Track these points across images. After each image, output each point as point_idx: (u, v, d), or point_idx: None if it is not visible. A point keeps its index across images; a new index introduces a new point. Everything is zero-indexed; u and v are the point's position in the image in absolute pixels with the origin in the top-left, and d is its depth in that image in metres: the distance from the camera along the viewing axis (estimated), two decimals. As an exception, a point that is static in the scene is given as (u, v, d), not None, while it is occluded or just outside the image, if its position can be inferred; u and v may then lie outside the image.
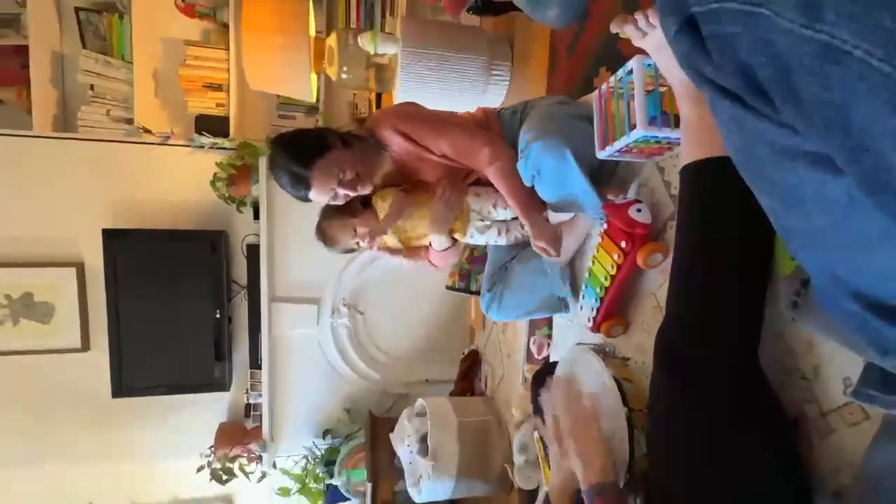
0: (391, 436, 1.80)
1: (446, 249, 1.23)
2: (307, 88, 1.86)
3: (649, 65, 0.80)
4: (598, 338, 1.07)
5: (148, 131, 2.15)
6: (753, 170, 0.36)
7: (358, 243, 1.19)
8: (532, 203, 1.08)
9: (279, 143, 1.10)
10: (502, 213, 1.20)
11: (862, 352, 0.48)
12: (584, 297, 1.07)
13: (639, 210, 0.92)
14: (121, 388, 2.06)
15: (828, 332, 0.55)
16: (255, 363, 2.17)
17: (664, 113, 0.81)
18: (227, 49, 2.21)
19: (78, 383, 2.11)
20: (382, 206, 1.18)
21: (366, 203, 1.21)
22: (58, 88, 2.21)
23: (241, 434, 2.18)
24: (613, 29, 0.74)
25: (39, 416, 2.11)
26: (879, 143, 0.25)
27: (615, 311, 1.03)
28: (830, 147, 0.28)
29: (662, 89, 0.81)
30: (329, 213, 1.20)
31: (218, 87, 2.24)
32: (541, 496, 1.43)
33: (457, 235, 1.22)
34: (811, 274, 0.39)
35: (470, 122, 1.16)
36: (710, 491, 0.56)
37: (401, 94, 1.73)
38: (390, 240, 1.24)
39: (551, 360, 1.33)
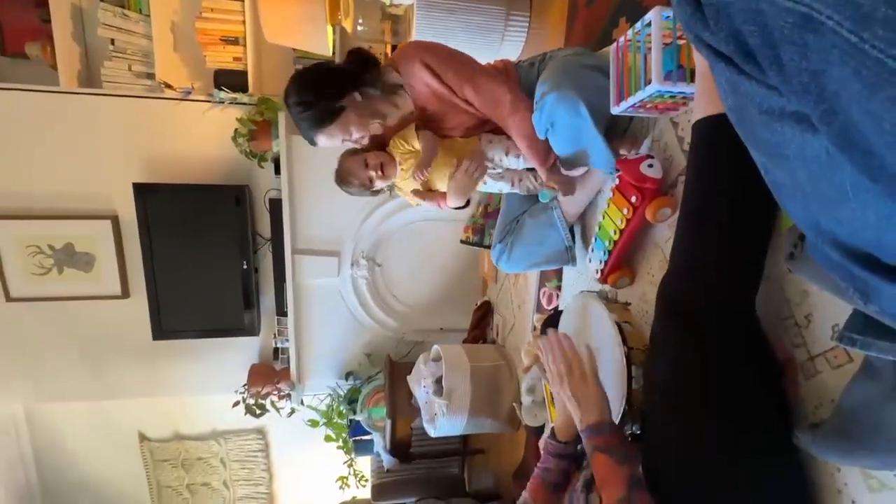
0: (408, 378, 1.92)
1: (460, 208, 1.25)
2: (323, 41, 1.83)
3: (668, 17, 0.78)
4: (604, 287, 1.10)
5: (169, 86, 2.16)
6: (745, 128, 0.38)
7: (371, 179, 1.18)
8: (548, 154, 1.08)
9: (293, 88, 1.08)
10: (514, 162, 1.20)
11: (848, 299, 0.51)
12: (593, 250, 1.10)
13: (650, 165, 0.93)
14: (160, 331, 2.20)
15: (819, 281, 0.58)
16: (282, 310, 2.28)
17: (681, 67, 0.80)
18: (243, 0, 2.16)
19: (121, 327, 2.27)
20: (400, 147, 1.17)
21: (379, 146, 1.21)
22: (80, 44, 2.21)
23: (271, 374, 2.34)
24: None
25: (89, 356, 2.28)
26: (847, 106, 0.28)
27: (623, 263, 1.06)
28: (808, 108, 0.30)
29: (681, 42, 0.79)
30: (346, 153, 1.22)
31: (235, 41, 2.21)
32: (547, 431, 1.53)
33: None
34: (798, 225, 0.41)
35: (492, 70, 1.15)
36: (701, 428, 0.61)
37: (417, 46, 1.69)
38: (404, 182, 1.24)
39: (560, 310, 1.38)
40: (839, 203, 0.33)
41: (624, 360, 0.87)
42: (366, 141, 1.13)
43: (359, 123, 1.09)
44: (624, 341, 0.89)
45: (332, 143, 1.11)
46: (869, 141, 0.28)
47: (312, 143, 1.12)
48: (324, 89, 1.07)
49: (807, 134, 0.32)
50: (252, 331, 2.29)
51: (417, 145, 1.16)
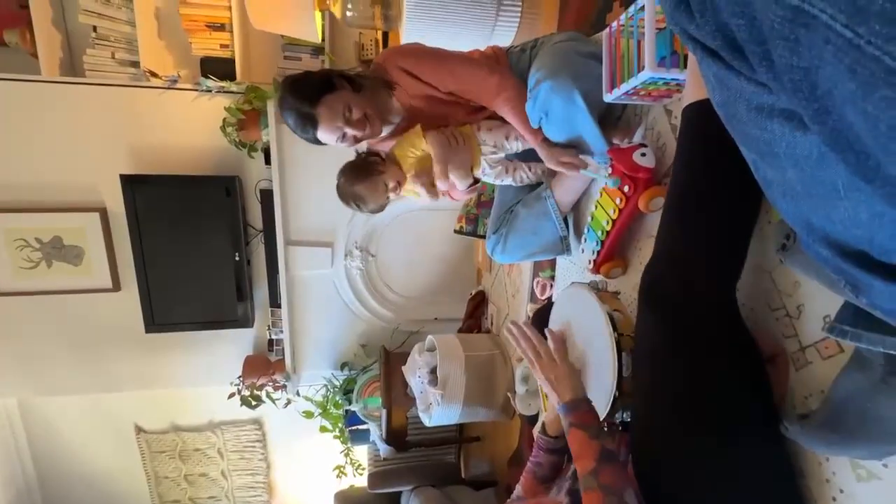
0: (403, 368, 1.92)
1: (471, 187, 1.22)
2: (311, 27, 1.79)
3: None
4: (595, 277, 1.10)
5: (154, 75, 2.10)
6: (734, 124, 0.37)
7: (388, 198, 1.18)
8: (539, 133, 1.06)
9: (286, 84, 1.08)
10: (515, 145, 1.18)
11: (840, 291, 0.50)
12: (585, 240, 1.09)
13: (643, 154, 0.92)
14: (152, 324, 2.19)
15: (812, 273, 0.57)
16: (276, 302, 2.27)
17: (675, 53, 0.78)
18: (227, -16, 2.10)
19: (114, 320, 2.25)
20: (404, 155, 1.15)
21: (382, 157, 1.19)
22: (60, 30, 2.14)
23: (265, 365, 2.34)
24: None
25: (83, 350, 2.26)
26: (841, 105, 0.26)
27: (615, 253, 1.05)
28: (799, 106, 0.29)
29: (674, 27, 0.78)
30: (351, 175, 1.16)
31: (221, 27, 2.16)
32: (539, 422, 1.54)
33: (475, 171, 1.21)
34: (788, 222, 0.40)
35: (475, 56, 1.12)
36: (683, 417, 0.61)
37: (407, 31, 1.66)
38: (413, 187, 1.22)
39: (552, 301, 1.38)
40: (830, 202, 0.32)
41: (614, 347, 0.87)
42: (359, 134, 1.10)
43: (348, 109, 1.05)
44: (614, 328, 0.89)
45: (330, 133, 1.07)
46: (863, 142, 0.27)
47: (313, 141, 1.09)
48: (314, 79, 1.07)
49: (797, 132, 0.31)
50: (246, 322, 2.28)
51: (425, 147, 1.13)
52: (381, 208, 1.21)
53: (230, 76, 2.13)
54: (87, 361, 2.28)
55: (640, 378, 0.70)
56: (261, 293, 2.35)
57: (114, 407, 2.67)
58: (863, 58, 0.23)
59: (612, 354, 0.85)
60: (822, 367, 0.64)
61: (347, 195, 1.17)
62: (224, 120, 2.08)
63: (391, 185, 1.15)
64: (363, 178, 1.14)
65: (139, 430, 2.75)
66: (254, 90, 2.06)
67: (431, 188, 1.18)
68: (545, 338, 0.87)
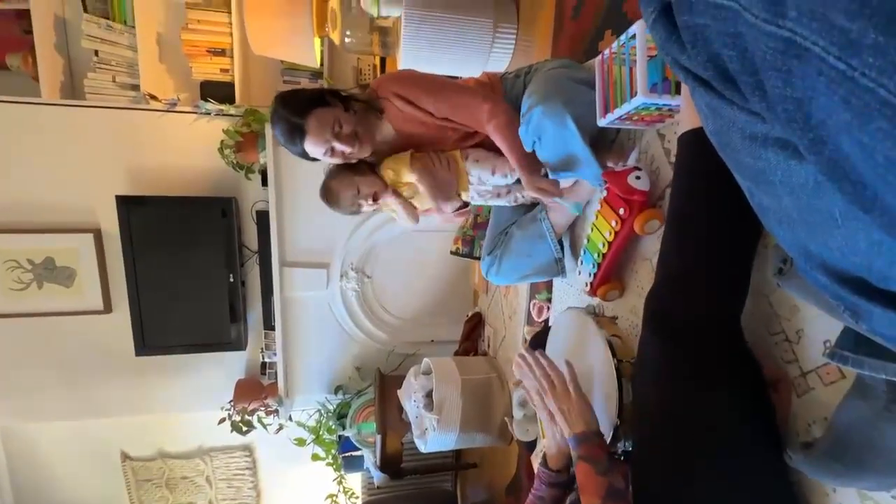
0: (399, 392, 1.88)
1: (459, 210, 1.23)
2: (310, 53, 1.82)
3: (653, 29, 0.78)
4: (592, 301, 1.09)
5: (154, 98, 2.13)
6: (728, 153, 0.37)
7: (360, 204, 1.19)
8: (532, 158, 1.07)
9: (278, 98, 1.10)
10: (501, 181, 1.19)
11: (839, 317, 0.50)
12: (582, 263, 1.09)
13: (637, 177, 0.92)
14: (143, 346, 2.14)
15: (810, 298, 0.57)
16: (269, 324, 2.24)
17: (666, 79, 0.79)
18: (229, 12, 2.15)
19: (103, 343, 2.20)
20: (389, 174, 1.17)
21: (373, 168, 1.20)
22: (63, 55, 2.18)
23: (258, 389, 2.28)
24: None
25: (70, 373, 2.21)
26: (836, 135, 0.26)
27: (612, 275, 1.05)
28: (793, 136, 0.29)
29: (665, 55, 0.79)
30: (335, 170, 1.18)
31: (221, 52, 2.20)
32: (538, 449, 1.50)
33: (462, 195, 1.22)
34: (785, 249, 0.40)
35: (469, 83, 1.14)
36: (686, 443, 0.60)
37: (404, 57, 1.69)
38: (392, 203, 1.23)
39: (550, 323, 1.37)
40: (827, 230, 0.32)
41: (614, 374, 0.86)
42: (347, 149, 1.10)
43: (338, 123, 1.06)
44: (613, 355, 0.88)
45: (317, 145, 1.08)
46: (860, 172, 0.26)
47: (302, 154, 1.10)
48: (306, 94, 1.10)
49: (792, 161, 0.31)
50: (239, 345, 2.24)
51: (409, 178, 1.15)
52: (351, 211, 1.21)
53: (229, 99, 2.16)
54: (74, 385, 2.22)
55: (642, 403, 0.68)
56: (254, 315, 2.32)
57: (100, 433, 2.59)
58: (857, 89, 0.23)
59: (613, 382, 0.84)
60: (825, 392, 0.63)
61: (323, 187, 1.19)
62: (222, 142, 2.09)
63: (364, 191, 1.16)
64: (342, 175, 1.16)
65: (125, 456, 2.66)
66: (252, 113, 2.08)
67: (409, 207, 1.19)
68: None
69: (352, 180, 1.16)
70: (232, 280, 2.15)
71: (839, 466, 0.54)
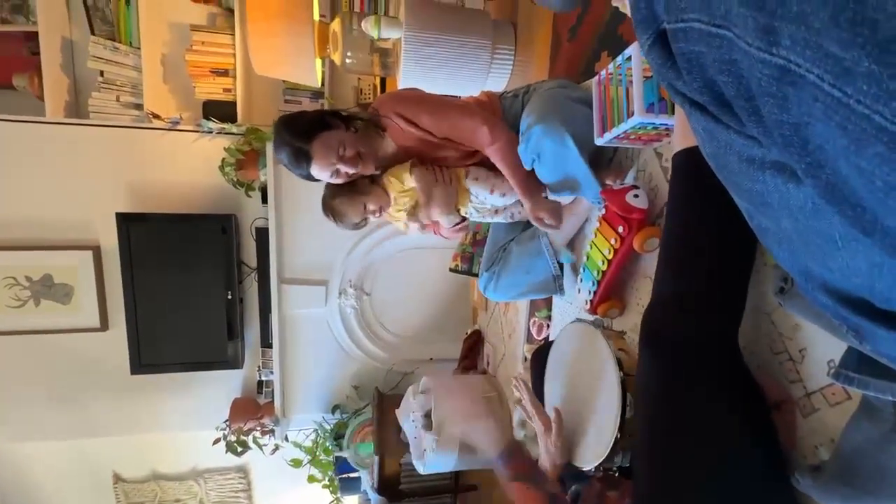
0: (397, 412, 1.85)
1: (457, 226, 1.24)
2: (312, 73, 1.85)
3: (648, 51, 0.79)
4: (594, 317, 1.08)
5: (157, 116, 2.15)
6: (725, 175, 0.36)
7: (367, 219, 1.20)
8: (532, 182, 1.08)
9: (281, 122, 1.10)
10: (499, 201, 1.20)
11: (842, 336, 0.49)
12: (581, 280, 1.09)
13: (636, 196, 0.92)
14: (139, 365, 2.12)
15: (812, 317, 0.56)
16: (267, 342, 2.22)
17: (662, 99, 0.80)
18: (233, 34, 2.19)
19: (99, 360, 2.17)
20: (392, 181, 1.17)
21: (373, 180, 1.21)
22: (69, 75, 2.21)
23: (254, 409, 2.25)
24: (614, 2, 0.75)
25: (64, 390, 2.18)
26: (834, 160, 0.26)
27: (612, 293, 1.04)
28: (791, 161, 0.29)
29: (661, 75, 0.80)
30: (337, 189, 1.18)
31: (224, 73, 2.23)
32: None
33: (461, 210, 1.23)
34: (786, 270, 0.40)
35: (471, 104, 1.16)
36: (686, 464, 0.58)
37: (404, 78, 1.72)
38: (399, 216, 1.24)
39: (550, 340, 1.35)
40: (828, 251, 0.32)
41: (619, 388, 0.85)
42: (351, 171, 1.11)
43: (342, 146, 1.07)
44: (620, 368, 0.87)
45: (323, 169, 1.09)
46: (859, 196, 0.26)
47: (307, 177, 1.11)
48: (308, 118, 1.10)
49: (790, 184, 0.31)
50: (236, 363, 2.21)
51: (411, 183, 1.16)
52: (357, 227, 1.23)
53: (231, 118, 2.18)
54: (68, 404, 2.18)
55: (641, 421, 0.67)
56: (252, 333, 2.30)
57: (92, 453, 2.53)
58: (853, 116, 0.23)
59: (618, 395, 0.83)
60: (831, 413, 0.62)
61: (327, 207, 1.19)
62: (223, 160, 2.11)
63: (371, 207, 1.17)
64: (346, 194, 1.16)
65: (117, 478, 2.60)
66: (254, 132, 2.10)
67: (414, 216, 1.20)
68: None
69: (357, 199, 1.17)
70: (230, 297, 2.13)
71: (849, 490, 0.53)
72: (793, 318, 0.66)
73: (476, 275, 1.77)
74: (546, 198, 1.09)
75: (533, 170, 1.04)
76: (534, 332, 1.53)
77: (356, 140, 1.10)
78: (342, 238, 2.06)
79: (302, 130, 1.06)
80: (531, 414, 0.90)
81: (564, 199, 1.10)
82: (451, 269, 1.87)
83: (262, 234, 2.14)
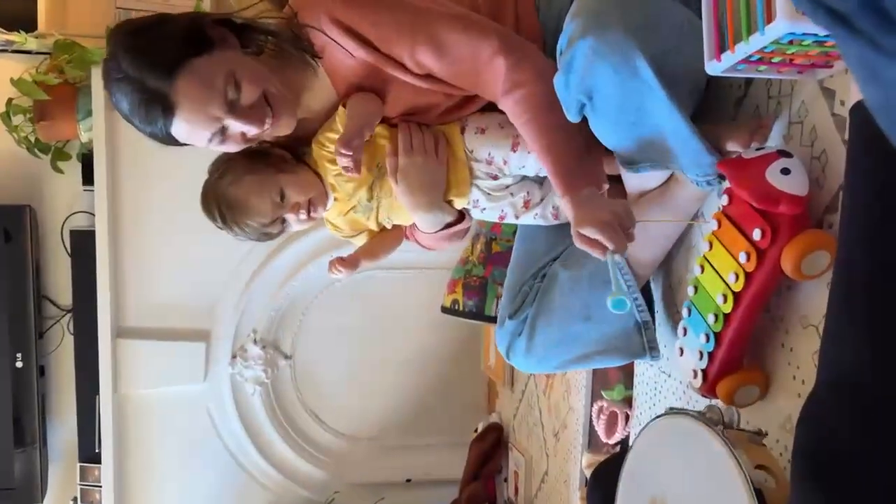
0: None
1: (447, 229, 1.26)
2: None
3: None
4: (712, 401, 1.09)
5: None
6: None
7: (284, 219, 1.23)
8: (580, 164, 1.09)
9: (120, 34, 1.12)
10: (529, 164, 1.22)
11: None
12: (686, 333, 1.10)
13: (785, 170, 0.94)
14: None
15: None
16: (90, 452, 2.22)
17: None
18: None
19: None
20: (323, 156, 1.21)
21: (297, 154, 1.25)
22: None
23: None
24: None
25: None
26: None
27: (743, 355, 1.05)
28: None
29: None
30: (232, 166, 1.22)
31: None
32: None
33: (456, 203, 1.26)
34: None
35: (471, 8, 1.18)
36: None
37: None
38: (343, 220, 1.28)
39: (631, 443, 1.37)
40: None
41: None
42: (252, 129, 1.13)
43: (232, 82, 1.09)
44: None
45: (198, 125, 1.11)
46: None
47: (166, 139, 1.13)
48: (173, 28, 1.12)
49: None
50: (30, 495, 2.22)
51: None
52: (268, 234, 1.27)
53: (27, 25, 2.21)
54: None
55: None
56: (62, 434, 2.33)
57: None
58: None
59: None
60: None
61: (211, 196, 1.22)
62: (9, 102, 2.14)
63: (293, 196, 1.21)
64: (249, 172, 1.20)
65: None
66: (67, 47, 2.14)
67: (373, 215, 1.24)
68: None
69: (269, 181, 1.20)
70: (20, 365, 2.15)
71: None
72: None
73: (492, 319, 1.79)
74: (606, 189, 1.10)
75: (582, 127, 1.06)
76: (600, 429, 1.54)
77: (261, 71, 1.12)
78: (239, 252, 2.09)
79: (158, 53, 1.08)
80: None
81: (641, 180, 1.11)
82: (444, 309, 1.88)
83: (82, 243, 2.17)
